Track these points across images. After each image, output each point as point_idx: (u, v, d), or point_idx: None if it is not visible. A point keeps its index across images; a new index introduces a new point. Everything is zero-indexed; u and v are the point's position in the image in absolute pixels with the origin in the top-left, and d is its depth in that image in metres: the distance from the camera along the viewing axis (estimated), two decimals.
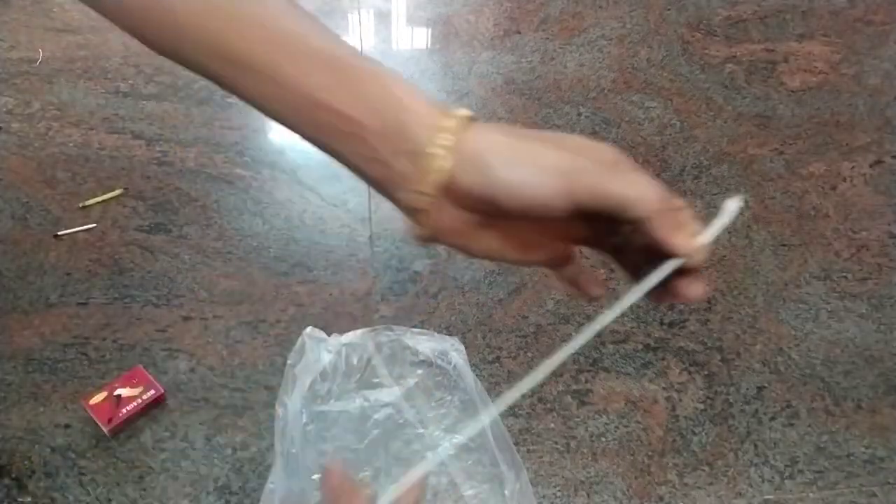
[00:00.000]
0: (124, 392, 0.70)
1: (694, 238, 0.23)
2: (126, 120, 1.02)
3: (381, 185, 0.24)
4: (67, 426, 0.70)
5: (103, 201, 0.92)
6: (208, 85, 1.07)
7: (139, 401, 0.69)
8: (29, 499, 0.65)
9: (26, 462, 0.67)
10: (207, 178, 0.95)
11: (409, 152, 0.23)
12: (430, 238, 0.24)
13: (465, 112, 0.23)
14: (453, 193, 0.23)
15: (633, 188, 0.22)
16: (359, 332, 0.64)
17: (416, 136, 0.22)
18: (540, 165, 0.22)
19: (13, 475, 0.66)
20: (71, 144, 0.99)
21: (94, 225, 0.89)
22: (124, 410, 0.69)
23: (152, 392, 0.70)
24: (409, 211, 0.23)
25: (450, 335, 0.73)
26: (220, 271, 0.85)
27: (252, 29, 0.24)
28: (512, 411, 0.73)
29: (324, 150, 0.25)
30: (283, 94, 0.24)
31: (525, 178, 0.22)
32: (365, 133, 0.23)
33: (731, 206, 0.24)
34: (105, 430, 0.68)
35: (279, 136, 1.03)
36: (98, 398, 0.70)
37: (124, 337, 0.77)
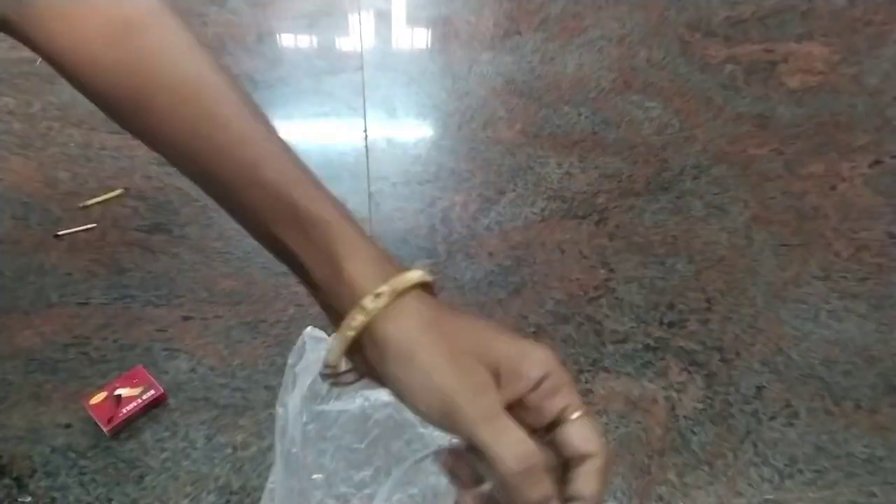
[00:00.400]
0: (124, 392, 0.70)
1: None
2: None
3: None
4: (68, 426, 0.70)
5: (104, 201, 0.92)
6: None
7: (139, 401, 0.70)
8: (29, 498, 0.65)
9: (27, 462, 0.67)
10: None
11: (335, 318, 0.24)
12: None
13: (404, 280, 0.23)
14: (361, 356, 0.23)
15: (495, 447, 0.21)
16: None
17: (342, 305, 0.23)
18: (428, 386, 0.22)
19: (13, 475, 0.66)
20: (72, 144, 0.99)
21: (95, 225, 0.89)
22: (124, 410, 0.69)
23: (152, 392, 0.70)
24: (325, 367, 0.25)
25: None
26: (220, 271, 0.85)
27: (217, 150, 0.25)
28: None
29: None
30: (243, 213, 0.26)
31: (412, 391, 0.22)
32: (311, 275, 0.24)
33: None
34: (105, 430, 0.68)
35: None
36: (98, 398, 0.70)
37: (124, 337, 0.77)
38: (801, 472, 0.71)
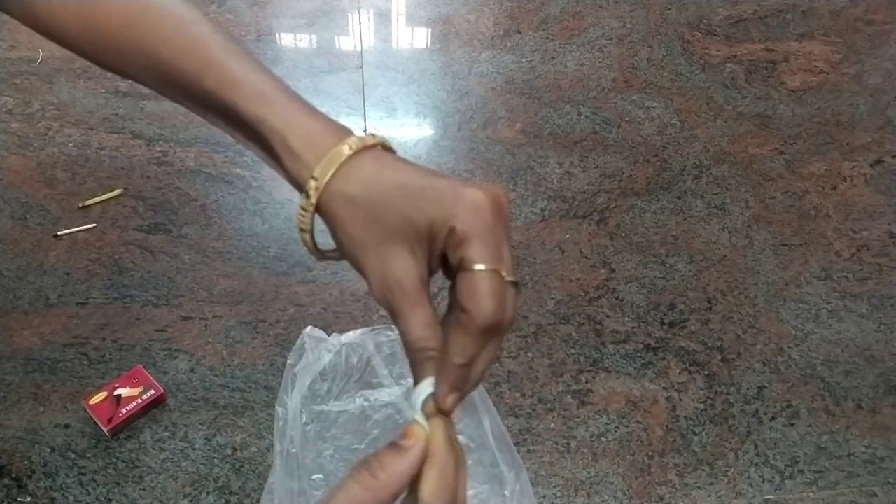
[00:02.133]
0: (124, 392, 0.70)
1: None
2: (126, 119, 1.02)
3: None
4: (67, 426, 0.70)
5: (103, 201, 0.92)
6: None
7: (139, 401, 0.69)
8: (29, 498, 0.65)
9: (26, 462, 0.67)
10: (207, 178, 0.95)
11: (295, 178, 0.26)
12: (316, 255, 0.27)
13: (333, 160, 0.25)
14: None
15: (405, 325, 0.23)
16: (359, 331, 0.64)
17: (300, 171, 0.25)
18: (361, 267, 0.24)
19: (13, 475, 0.66)
20: (71, 144, 0.99)
21: (94, 225, 0.88)
22: (124, 410, 0.69)
23: (152, 392, 0.70)
24: (300, 231, 0.26)
25: None
26: (219, 271, 0.84)
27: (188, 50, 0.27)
28: (512, 411, 0.73)
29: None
30: (204, 117, 0.27)
31: (339, 241, 0.25)
32: (273, 141, 0.26)
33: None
34: (105, 430, 0.68)
35: None
36: (98, 398, 0.70)
37: (124, 337, 0.77)
38: (801, 472, 0.71)
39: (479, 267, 0.22)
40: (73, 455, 0.68)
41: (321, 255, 0.27)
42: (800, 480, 0.71)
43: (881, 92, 1.16)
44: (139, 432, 0.70)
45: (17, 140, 0.99)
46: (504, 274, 0.23)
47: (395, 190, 0.24)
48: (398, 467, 0.22)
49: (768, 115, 1.11)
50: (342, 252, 0.25)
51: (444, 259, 0.24)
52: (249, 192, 0.94)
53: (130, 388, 0.70)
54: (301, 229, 0.25)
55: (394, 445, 0.22)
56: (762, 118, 1.11)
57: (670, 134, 1.07)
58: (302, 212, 0.25)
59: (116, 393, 0.70)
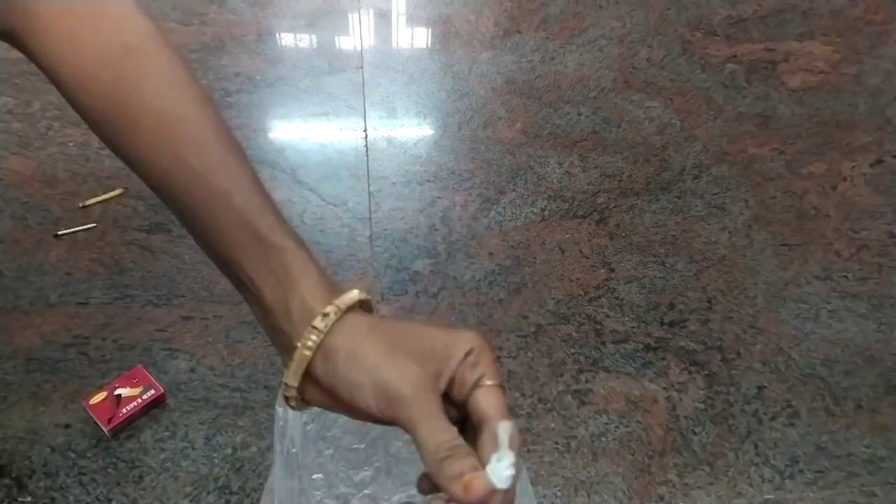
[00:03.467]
0: (124, 392, 0.70)
1: (467, 486, 0.25)
2: None
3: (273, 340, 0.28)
4: (67, 426, 0.70)
5: (103, 201, 0.92)
6: (208, 85, 1.08)
7: (139, 401, 0.69)
8: (29, 498, 0.65)
9: (26, 462, 0.67)
10: None
11: (286, 339, 0.26)
12: (299, 407, 0.28)
13: (347, 299, 0.27)
14: (313, 378, 0.27)
15: (422, 433, 0.25)
16: None
17: (293, 329, 0.26)
18: (375, 382, 0.25)
19: (13, 475, 0.66)
20: (71, 144, 0.99)
21: (95, 224, 0.89)
22: (124, 410, 0.69)
23: (152, 392, 0.70)
24: (283, 386, 0.27)
25: None
26: (220, 271, 0.84)
27: (189, 175, 0.28)
28: (512, 411, 0.73)
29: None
30: (207, 235, 0.28)
31: (361, 389, 0.25)
32: (263, 298, 0.27)
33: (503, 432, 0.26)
34: (105, 429, 0.68)
35: (279, 135, 1.03)
36: (98, 398, 0.70)
37: (124, 337, 0.77)
38: (801, 472, 0.71)
39: (493, 382, 0.26)
40: (73, 455, 0.68)
41: (298, 405, 0.28)
42: (800, 480, 0.71)
43: (881, 92, 1.16)
44: (139, 432, 0.70)
45: (17, 140, 0.99)
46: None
47: (403, 325, 0.27)
48: None
49: (768, 115, 1.11)
50: (347, 381, 0.26)
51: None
52: None
53: (131, 387, 0.70)
54: (304, 347, 0.26)
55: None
56: (762, 118, 1.11)
57: (670, 134, 1.07)
58: (301, 347, 0.26)
59: (116, 393, 0.70)
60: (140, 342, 0.77)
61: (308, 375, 0.26)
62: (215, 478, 0.67)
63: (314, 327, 0.26)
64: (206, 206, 0.28)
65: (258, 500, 0.66)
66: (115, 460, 0.68)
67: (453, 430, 0.25)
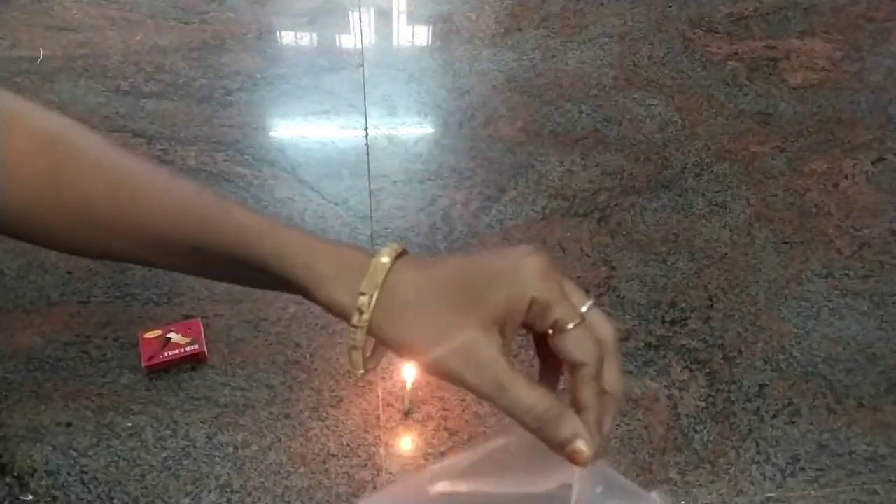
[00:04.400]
0: (175, 337, 0.73)
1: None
2: (126, 118, 1.02)
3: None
4: (69, 424, 0.70)
5: None
6: (209, 83, 1.08)
7: (182, 350, 0.72)
8: (31, 497, 0.65)
9: (28, 460, 0.67)
10: (208, 177, 0.95)
11: (335, 302, 0.25)
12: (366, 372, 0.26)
13: (375, 275, 0.24)
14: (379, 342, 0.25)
15: (514, 412, 0.23)
16: None
17: (341, 295, 0.25)
18: (440, 369, 0.24)
19: (15, 473, 0.66)
20: None
21: None
22: (166, 354, 0.72)
23: (196, 347, 0.73)
24: (347, 350, 0.26)
25: None
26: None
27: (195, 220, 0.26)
28: None
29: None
30: (202, 268, 0.27)
31: (411, 346, 0.24)
32: (298, 274, 0.25)
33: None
34: (143, 365, 0.72)
35: (280, 133, 1.03)
36: (152, 334, 0.74)
37: (125, 335, 0.77)
38: (803, 470, 0.71)
39: (573, 324, 0.24)
40: (74, 453, 0.68)
41: (367, 370, 0.26)
42: (801, 478, 0.71)
43: (882, 89, 1.16)
44: (140, 430, 0.70)
45: None
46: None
47: (452, 282, 0.24)
48: None
49: (769, 112, 1.11)
50: (410, 354, 0.24)
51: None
52: (250, 191, 0.94)
53: (182, 335, 0.73)
54: (353, 347, 0.25)
55: None
56: (763, 116, 1.10)
57: (671, 132, 1.07)
58: (353, 329, 0.24)
59: (168, 336, 0.73)
60: None
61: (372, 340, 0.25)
62: (216, 476, 0.67)
63: (353, 325, 0.24)
64: (188, 243, 0.26)
65: (259, 498, 0.66)
66: (116, 458, 0.68)
67: (534, 394, 0.23)
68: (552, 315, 0.24)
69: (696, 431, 0.74)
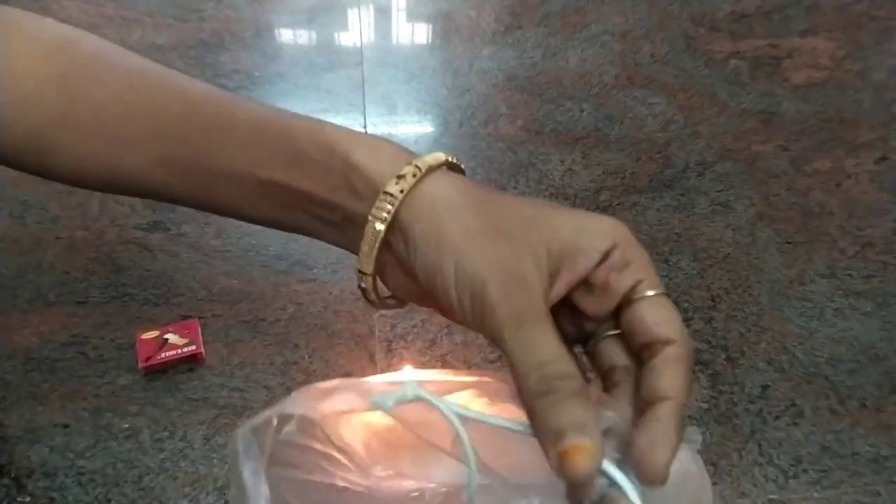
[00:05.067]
0: (172, 338, 0.72)
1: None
2: None
3: (340, 245, 0.23)
4: (66, 426, 0.69)
5: None
6: (207, 81, 1.06)
7: (179, 351, 0.72)
8: (28, 498, 0.65)
9: (25, 461, 0.67)
10: None
11: (358, 222, 0.20)
12: (377, 304, 0.22)
13: (430, 159, 0.20)
14: (392, 261, 0.20)
15: (518, 361, 0.17)
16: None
17: (362, 206, 0.20)
18: (458, 273, 0.18)
19: (12, 475, 0.66)
20: None
21: (93, 223, 0.88)
22: (163, 355, 0.71)
23: (193, 348, 0.72)
24: (361, 289, 0.22)
25: (450, 333, 0.72)
26: (218, 270, 0.84)
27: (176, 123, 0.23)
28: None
29: (275, 226, 0.23)
30: (228, 181, 0.23)
31: (444, 280, 0.18)
32: (321, 202, 0.21)
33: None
34: (140, 366, 0.71)
35: None
36: (149, 335, 0.73)
37: (123, 336, 0.77)
38: (805, 471, 0.71)
39: (657, 292, 0.19)
40: (71, 455, 0.67)
41: (381, 301, 0.22)
42: (804, 480, 0.70)
43: (886, 88, 1.15)
44: (138, 432, 0.69)
45: None
46: None
47: (521, 201, 0.20)
48: None
49: (772, 111, 1.10)
50: (437, 239, 0.18)
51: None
52: None
53: (180, 336, 0.73)
54: (376, 219, 0.19)
55: None
56: (766, 115, 1.10)
57: (673, 131, 1.07)
58: (383, 201, 0.19)
59: (166, 336, 0.72)
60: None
61: (386, 258, 0.20)
62: (214, 478, 0.67)
63: (387, 193, 0.19)
64: (210, 139, 0.22)
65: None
66: (113, 460, 0.67)
67: (558, 349, 0.17)
68: (633, 275, 0.18)
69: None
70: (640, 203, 0.96)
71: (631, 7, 1.28)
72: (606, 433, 0.17)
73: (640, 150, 1.03)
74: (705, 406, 0.75)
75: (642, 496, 0.16)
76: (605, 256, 0.19)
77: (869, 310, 0.85)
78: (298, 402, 0.23)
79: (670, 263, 0.89)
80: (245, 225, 0.96)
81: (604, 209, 0.95)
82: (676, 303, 0.85)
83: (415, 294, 0.21)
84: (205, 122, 0.23)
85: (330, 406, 0.22)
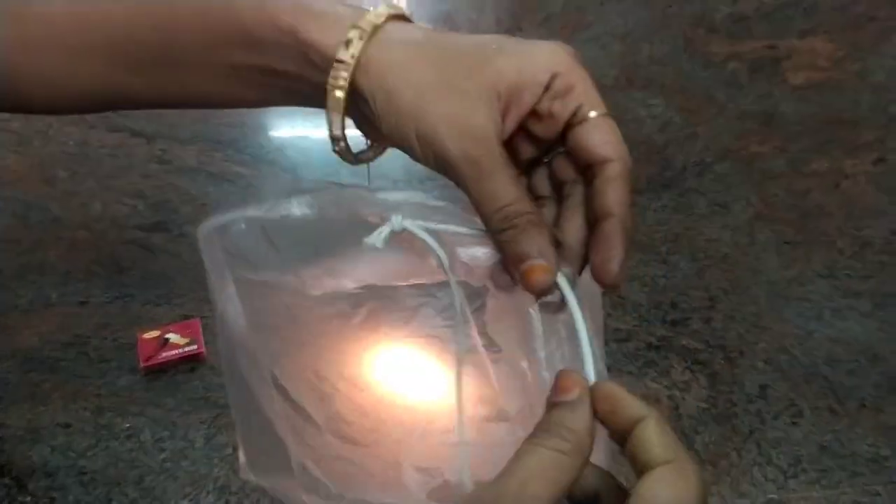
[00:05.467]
0: (173, 338, 0.73)
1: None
2: (125, 117, 1.02)
3: (310, 102, 0.23)
4: (68, 425, 0.69)
5: None
6: None
7: (179, 351, 0.72)
8: (29, 498, 0.65)
9: (26, 461, 0.67)
10: (207, 176, 0.95)
11: (319, 88, 0.22)
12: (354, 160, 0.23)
13: (371, 17, 0.21)
14: (361, 119, 0.22)
15: (482, 203, 0.20)
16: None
17: (321, 77, 0.21)
18: (418, 126, 0.20)
19: (13, 474, 0.66)
20: (70, 143, 0.99)
21: (94, 224, 0.88)
22: (163, 355, 0.71)
23: (194, 347, 0.72)
24: (336, 152, 0.23)
25: None
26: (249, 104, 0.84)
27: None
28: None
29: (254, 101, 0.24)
30: (193, 71, 0.23)
31: (406, 133, 0.20)
32: (285, 72, 0.22)
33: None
34: (140, 365, 0.71)
35: (279, 133, 1.03)
36: (150, 334, 0.73)
37: (124, 336, 0.77)
38: (804, 471, 0.71)
39: (598, 113, 0.20)
40: (73, 455, 0.68)
41: (357, 158, 0.23)
42: (803, 480, 0.70)
43: (884, 89, 1.16)
44: (139, 432, 0.70)
45: (16, 139, 0.99)
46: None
47: (458, 44, 0.20)
48: (580, 423, 0.18)
49: (771, 112, 1.11)
50: (396, 107, 0.20)
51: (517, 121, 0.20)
52: (249, 191, 0.94)
53: (181, 336, 0.73)
54: (334, 102, 0.20)
55: (562, 405, 0.19)
56: (764, 116, 1.10)
57: (672, 132, 1.07)
58: (336, 69, 0.20)
59: (166, 336, 0.72)
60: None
61: (357, 117, 0.22)
62: (215, 478, 0.67)
63: (339, 61, 0.20)
64: (168, 29, 0.23)
65: (258, 500, 0.66)
66: (114, 460, 0.67)
67: (514, 192, 0.20)
68: (575, 99, 0.20)
69: (697, 433, 0.73)
70: (639, 204, 0.97)
71: (630, 8, 1.28)
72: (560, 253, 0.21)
73: (639, 151, 1.03)
74: (704, 406, 0.75)
75: (579, 302, 0.21)
76: (548, 86, 0.20)
77: (867, 310, 0.86)
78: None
79: (669, 264, 0.90)
80: None
81: None
82: (675, 303, 0.86)
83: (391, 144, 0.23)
84: (151, 21, 0.23)
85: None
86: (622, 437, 0.20)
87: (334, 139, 0.23)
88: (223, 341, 0.30)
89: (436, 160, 0.21)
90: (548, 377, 0.23)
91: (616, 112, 1.01)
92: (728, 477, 0.70)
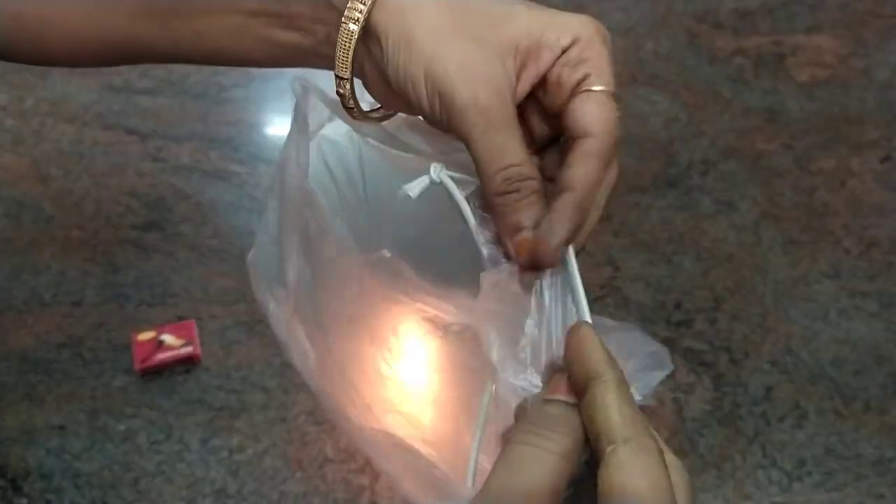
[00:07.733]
0: (168, 339, 0.72)
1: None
2: (119, 115, 1.00)
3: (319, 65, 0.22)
4: (62, 427, 0.69)
5: None
6: (203, 79, 1.05)
7: (175, 352, 0.71)
8: (24, 500, 0.64)
9: (21, 463, 0.66)
10: (202, 175, 0.94)
11: (332, 29, 0.21)
12: (361, 118, 0.23)
13: None
14: (369, 69, 0.21)
15: (484, 163, 0.19)
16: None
17: (334, 16, 0.20)
18: (428, 76, 0.19)
19: (8, 476, 0.65)
20: (64, 141, 0.97)
21: (88, 223, 0.87)
22: (159, 357, 0.71)
23: (189, 349, 0.71)
24: (340, 96, 0.22)
25: None
26: (215, 270, 0.83)
27: None
28: None
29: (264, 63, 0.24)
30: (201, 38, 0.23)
31: (415, 84, 0.19)
32: (298, 19, 0.21)
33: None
34: (136, 367, 0.71)
35: (275, 131, 1.02)
36: (146, 336, 0.72)
37: (119, 337, 0.76)
38: (809, 474, 0.70)
39: (601, 88, 0.19)
40: (68, 457, 0.67)
41: (362, 113, 0.22)
42: (808, 482, 0.70)
43: (890, 86, 1.14)
44: (134, 434, 0.69)
45: (10, 137, 0.97)
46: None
47: (481, 2, 0.19)
48: (573, 421, 0.18)
49: (776, 109, 1.09)
50: (408, 45, 0.18)
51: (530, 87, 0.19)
52: (245, 189, 0.93)
53: (176, 337, 0.72)
54: (349, 20, 0.19)
55: (553, 403, 0.19)
56: (770, 113, 1.09)
57: (677, 129, 1.06)
58: (350, 12, 0.19)
59: (161, 338, 0.72)
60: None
61: (365, 66, 0.20)
62: (211, 481, 0.66)
63: (352, 5, 0.19)
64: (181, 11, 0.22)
65: (255, 503, 0.65)
66: (110, 462, 0.67)
67: (522, 153, 0.18)
68: (585, 69, 0.19)
69: (701, 435, 0.72)
70: (643, 202, 0.95)
71: (633, 3, 1.27)
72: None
73: (643, 148, 1.02)
74: (708, 408, 0.74)
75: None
76: (565, 50, 0.19)
77: (874, 310, 0.85)
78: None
79: (673, 264, 0.88)
80: (242, 225, 0.95)
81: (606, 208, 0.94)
82: (679, 303, 0.85)
83: (394, 101, 0.21)
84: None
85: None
86: (581, 388, 0.19)
87: (340, 78, 0.21)
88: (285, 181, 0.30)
89: (442, 106, 0.18)
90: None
91: (620, 108, 0.99)
92: (732, 479, 0.69)
